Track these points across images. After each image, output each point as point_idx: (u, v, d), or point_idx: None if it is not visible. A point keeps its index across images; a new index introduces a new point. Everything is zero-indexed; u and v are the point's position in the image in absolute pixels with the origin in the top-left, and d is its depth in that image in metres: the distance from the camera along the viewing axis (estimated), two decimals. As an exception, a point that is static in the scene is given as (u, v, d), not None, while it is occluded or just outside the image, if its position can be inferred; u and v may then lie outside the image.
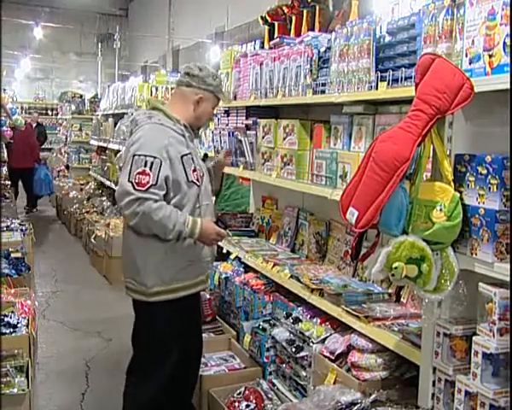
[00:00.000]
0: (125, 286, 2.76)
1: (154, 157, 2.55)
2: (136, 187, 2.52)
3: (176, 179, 2.61)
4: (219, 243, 3.94)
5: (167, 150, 2.59)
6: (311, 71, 3.14)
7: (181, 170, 2.63)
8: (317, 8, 4.13)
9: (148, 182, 2.52)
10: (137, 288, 2.69)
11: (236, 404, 2.96)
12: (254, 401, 2.97)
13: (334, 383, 2.64)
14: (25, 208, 10.87)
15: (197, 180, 2.69)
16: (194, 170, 2.69)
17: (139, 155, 2.56)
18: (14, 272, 4.64)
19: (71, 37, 19.63)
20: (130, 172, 2.55)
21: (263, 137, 3.66)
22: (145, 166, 2.53)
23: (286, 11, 4.44)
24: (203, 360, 3.18)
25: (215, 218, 2.96)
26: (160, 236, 2.60)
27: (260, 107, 3.84)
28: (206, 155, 2.94)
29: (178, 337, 2.76)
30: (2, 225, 5.97)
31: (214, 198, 3.26)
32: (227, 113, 4.38)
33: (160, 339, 2.74)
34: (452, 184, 1.97)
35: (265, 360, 3.29)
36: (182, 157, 2.64)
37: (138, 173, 2.53)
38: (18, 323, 3.60)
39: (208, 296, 3.87)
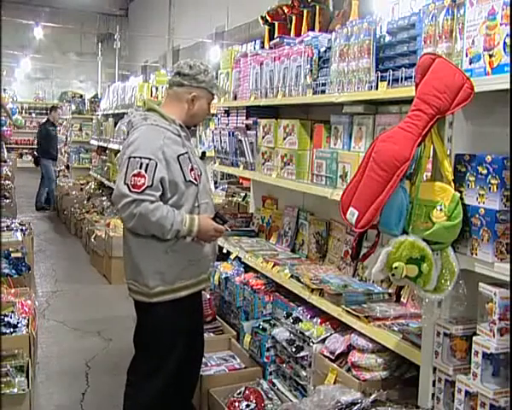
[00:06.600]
0: (128, 288, 2.76)
1: (150, 159, 2.54)
2: (132, 189, 2.52)
3: (173, 180, 2.60)
4: (219, 244, 3.93)
5: (163, 151, 2.57)
6: (311, 71, 3.13)
7: (178, 170, 2.61)
8: (317, 8, 4.13)
9: (143, 184, 2.51)
10: (140, 289, 2.68)
11: (236, 404, 2.96)
12: (254, 401, 2.97)
13: (335, 383, 2.64)
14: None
15: (195, 179, 2.68)
16: (192, 169, 2.67)
17: (134, 157, 2.56)
18: (14, 272, 4.64)
19: (71, 37, 19.64)
20: (125, 175, 2.55)
21: (263, 137, 3.66)
22: (140, 167, 2.53)
23: (286, 11, 4.44)
24: (203, 359, 3.18)
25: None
26: (159, 236, 2.60)
27: (260, 107, 3.84)
28: (203, 154, 2.94)
29: (180, 337, 2.75)
30: (2, 225, 5.96)
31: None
32: (227, 113, 4.38)
33: (162, 339, 2.73)
34: (452, 184, 1.97)
35: (265, 360, 3.29)
36: (178, 157, 2.63)
37: (134, 175, 2.52)
38: (18, 323, 3.61)
39: (208, 296, 3.86)
